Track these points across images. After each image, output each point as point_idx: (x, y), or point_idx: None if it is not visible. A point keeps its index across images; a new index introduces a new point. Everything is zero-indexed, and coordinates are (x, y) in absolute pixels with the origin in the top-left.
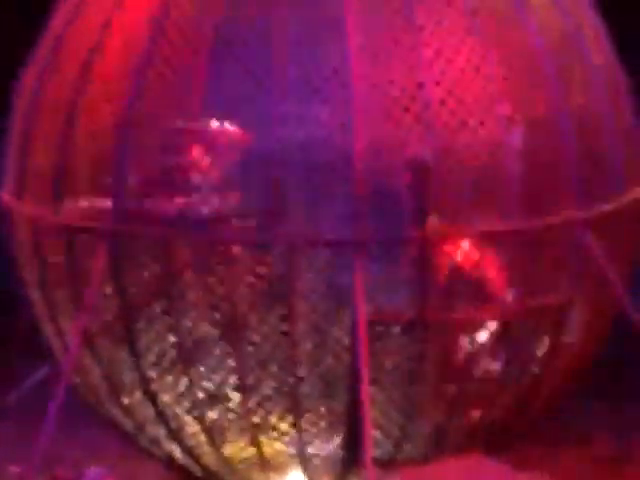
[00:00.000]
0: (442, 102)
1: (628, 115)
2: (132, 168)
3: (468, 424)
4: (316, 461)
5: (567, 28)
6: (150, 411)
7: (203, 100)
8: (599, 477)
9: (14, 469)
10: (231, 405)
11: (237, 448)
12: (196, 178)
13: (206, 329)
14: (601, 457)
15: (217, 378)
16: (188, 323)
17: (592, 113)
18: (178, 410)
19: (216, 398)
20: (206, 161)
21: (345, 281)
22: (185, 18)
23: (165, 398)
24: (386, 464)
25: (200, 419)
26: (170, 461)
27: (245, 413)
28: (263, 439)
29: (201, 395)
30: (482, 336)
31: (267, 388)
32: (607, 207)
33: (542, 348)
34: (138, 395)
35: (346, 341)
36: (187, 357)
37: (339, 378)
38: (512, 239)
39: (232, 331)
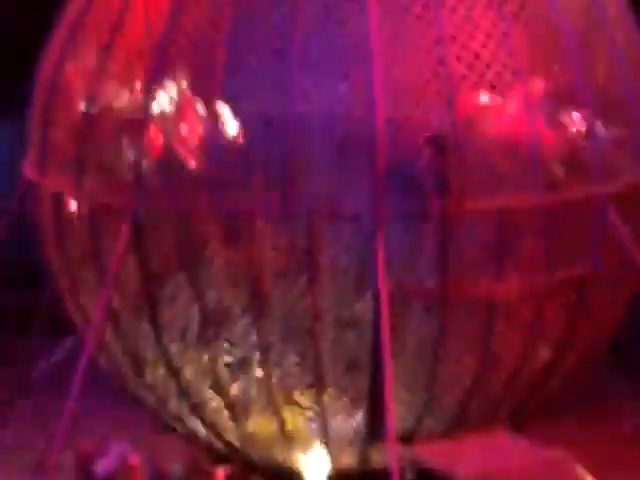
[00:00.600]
0: (464, 77)
1: None
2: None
3: (490, 399)
4: (338, 436)
5: (590, 4)
6: (172, 387)
7: (224, 74)
8: (618, 451)
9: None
10: (254, 380)
11: (260, 424)
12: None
13: (229, 302)
14: (620, 433)
15: (240, 353)
16: (211, 296)
17: (615, 88)
18: (201, 386)
19: (238, 373)
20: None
21: (367, 255)
22: None
23: (188, 373)
24: (408, 439)
25: (223, 395)
26: (193, 437)
27: (267, 388)
28: (286, 415)
29: (224, 370)
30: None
31: (290, 363)
32: (630, 181)
33: (563, 323)
34: (161, 371)
35: (368, 316)
36: (210, 332)
37: (362, 353)
38: (534, 213)
39: (255, 304)
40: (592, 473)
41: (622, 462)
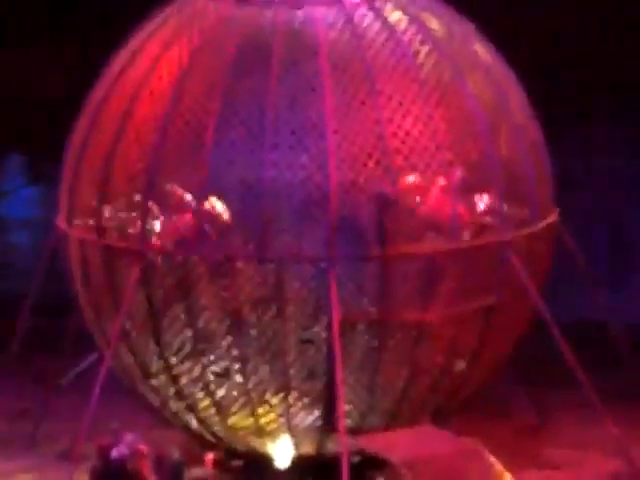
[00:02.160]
0: (397, 150)
1: (543, 160)
2: (156, 206)
3: (419, 400)
4: (301, 428)
5: (496, 95)
6: (172, 390)
7: (212, 150)
8: (519, 442)
9: (68, 435)
10: (235, 385)
11: (239, 419)
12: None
13: (215, 326)
14: (520, 427)
15: (224, 364)
16: (201, 322)
17: (515, 160)
18: (194, 389)
19: (223, 380)
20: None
21: (323, 289)
22: (198, 87)
23: (183, 380)
24: (355, 432)
25: (210, 396)
26: (187, 429)
27: (245, 391)
28: (259, 412)
29: (211, 378)
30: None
31: (263, 372)
32: (526, 231)
33: (475, 342)
34: (163, 378)
35: (324, 335)
36: (201, 348)
37: (319, 364)
38: (452, 256)
39: (236, 327)
40: (496, 457)
41: (518, 449)
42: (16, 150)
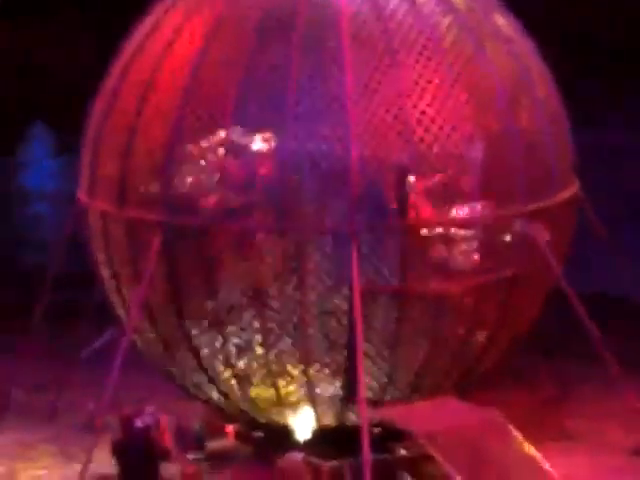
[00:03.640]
0: (418, 121)
1: (563, 133)
2: (177, 174)
3: (440, 372)
4: (321, 400)
5: (517, 68)
6: (193, 362)
7: (233, 121)
8: (540, 414)
9: (90, 406)
10: (256, 357)
11: (260, 390)
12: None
13: (237, 297)
14: (542, 399)
15: (245, 336)
16: (223, 293)
17: (535, 132)
18: (215, 361)
19: (244, 352)
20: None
21: (344, 261)
22: (220, 58)
23: (205, 352)
24: (376, 403)
25: (232, 368)
26: (208, 401)
27: (266, 363)
28: (280, 383)
29: (233, 349)
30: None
31: (284, 344)
32: (547, 203)
33: (496, 313)
34: (184, 350)
35: (345, 307)
36: (222, 320)
37: (340, 336)
38: (474, 226)
39: (257, 299)
40: (517, 429)
41: (539, 421)
42: (40, 121)
